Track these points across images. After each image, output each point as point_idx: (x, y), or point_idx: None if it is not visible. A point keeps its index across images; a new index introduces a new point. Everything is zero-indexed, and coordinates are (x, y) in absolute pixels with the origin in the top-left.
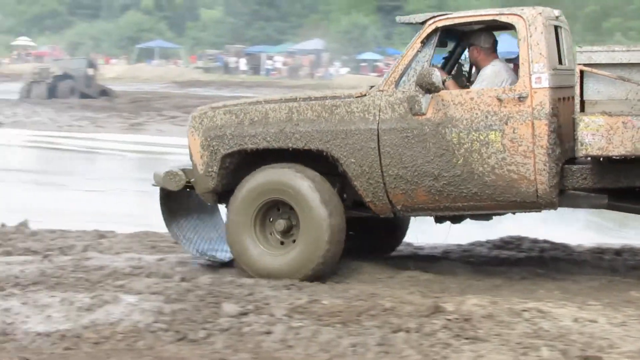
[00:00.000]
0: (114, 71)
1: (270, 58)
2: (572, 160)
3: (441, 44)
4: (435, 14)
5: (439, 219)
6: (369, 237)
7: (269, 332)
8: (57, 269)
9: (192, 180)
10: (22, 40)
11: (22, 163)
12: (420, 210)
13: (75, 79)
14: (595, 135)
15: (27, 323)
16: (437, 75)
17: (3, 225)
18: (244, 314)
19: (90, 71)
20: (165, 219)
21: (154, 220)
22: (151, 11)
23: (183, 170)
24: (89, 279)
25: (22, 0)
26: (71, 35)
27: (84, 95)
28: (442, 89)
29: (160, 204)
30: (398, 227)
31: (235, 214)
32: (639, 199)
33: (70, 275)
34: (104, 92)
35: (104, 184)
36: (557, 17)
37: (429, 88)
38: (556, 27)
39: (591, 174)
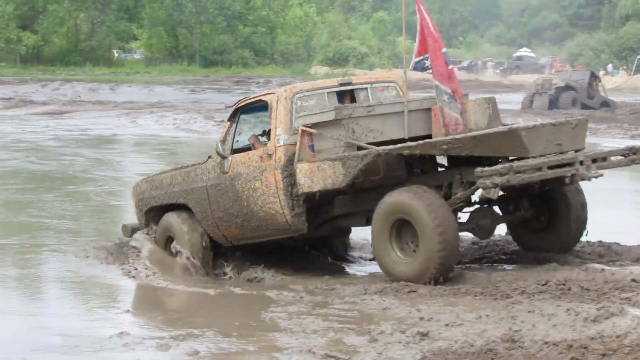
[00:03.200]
0: (613, 82)
1: None
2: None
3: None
4: (241, 98)
5: None
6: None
7: None
8: (561, 278)
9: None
10: (523, 52)
11: None
12: (240, 240)
13: (578, 90)
14: (305, 177)
15: (533, 331)
16: (219, 147)
17: None
18: None
19: (593, 83)
20: None
21: None
22: None
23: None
24: (595, 290)
25: (525, 12)
26: (571, 46)
27: (584, 107)
28: (225, 156)
29: None
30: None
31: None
32: None
33: (575, 286)
34: (605, 104)
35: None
36: (344, 84)
37: (219, 155)
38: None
39: (350, 202)
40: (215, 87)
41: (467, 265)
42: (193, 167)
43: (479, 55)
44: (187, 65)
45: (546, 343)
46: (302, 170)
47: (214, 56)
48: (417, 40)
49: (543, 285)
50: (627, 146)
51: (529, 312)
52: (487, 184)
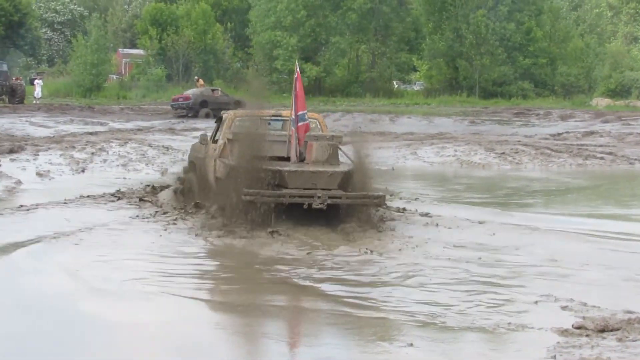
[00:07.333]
0: None
1: None
2: None
3: None
4: (224, 110)
5: None
6: None
7: None
8: None
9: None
10: None
11: None
12: (209, 194)
13: None
14: (218, 167)
15: None
16: (200, 136)
17: None
18: None
19: None
20: None
21: None
22: None
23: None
24: None
25: None
26: None
27: None
28: (204, 143)
29: None
30: None
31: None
32: None
33: None
34: None
35: None
36: (275, 116)
37: (200, 142)
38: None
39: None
40: (494, 118)
41: None
42: (202, 146)
43: None
44: (466, 97)
45: None
46: (218, 163)
47: (493, 87)
48: (295, 100)
49: None
50: (363, 193)
51: None
52: (246, 199)
